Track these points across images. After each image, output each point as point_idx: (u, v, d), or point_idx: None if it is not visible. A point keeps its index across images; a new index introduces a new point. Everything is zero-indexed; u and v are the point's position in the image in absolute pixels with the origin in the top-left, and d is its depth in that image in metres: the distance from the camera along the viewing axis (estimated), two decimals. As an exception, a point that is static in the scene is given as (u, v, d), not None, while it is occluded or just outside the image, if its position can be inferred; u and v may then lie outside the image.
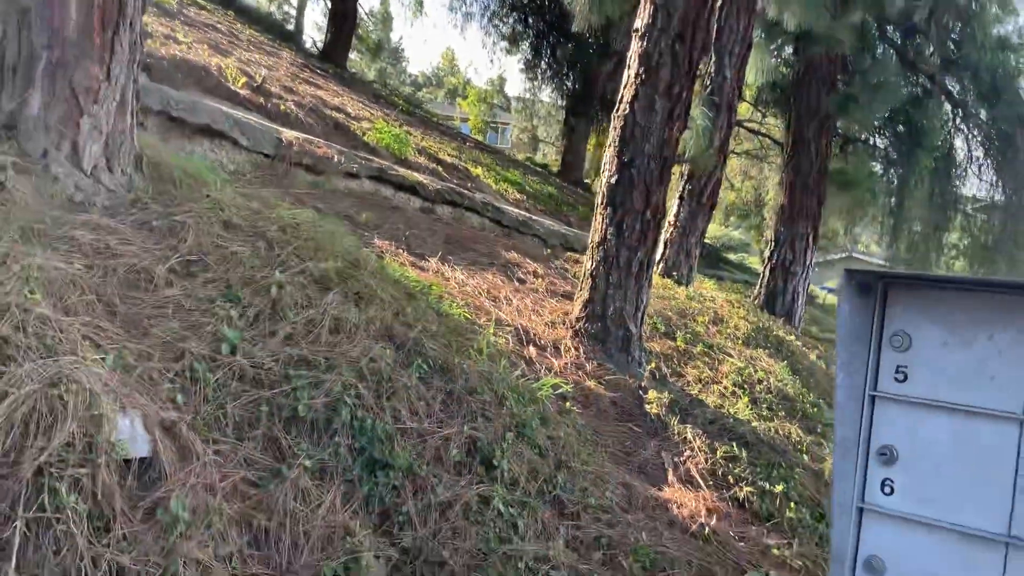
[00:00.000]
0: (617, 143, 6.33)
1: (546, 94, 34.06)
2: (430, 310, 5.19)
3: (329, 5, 26.31)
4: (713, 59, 10.10)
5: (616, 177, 6.32)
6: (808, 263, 12.90)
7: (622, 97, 6.35)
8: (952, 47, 17.11)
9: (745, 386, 6.95)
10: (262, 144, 7.22)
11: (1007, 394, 1.60)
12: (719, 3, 10.07)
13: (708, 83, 10.17)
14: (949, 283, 1.69)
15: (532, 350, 5.85)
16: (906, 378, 1.72)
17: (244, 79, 9.60)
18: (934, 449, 1.69)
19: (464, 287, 6.45)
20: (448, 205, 9.13)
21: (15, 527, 2.50)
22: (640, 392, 6.07)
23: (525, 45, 29.63)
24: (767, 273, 12.88)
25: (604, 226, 6.40)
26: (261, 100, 9.42)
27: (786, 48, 13.66)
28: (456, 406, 4.28)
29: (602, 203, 6.45)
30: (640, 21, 6.29)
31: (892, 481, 1.74)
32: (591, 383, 5.82)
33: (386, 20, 50.68)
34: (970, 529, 1.65)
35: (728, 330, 8.76)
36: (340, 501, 3.49)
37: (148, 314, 3.62)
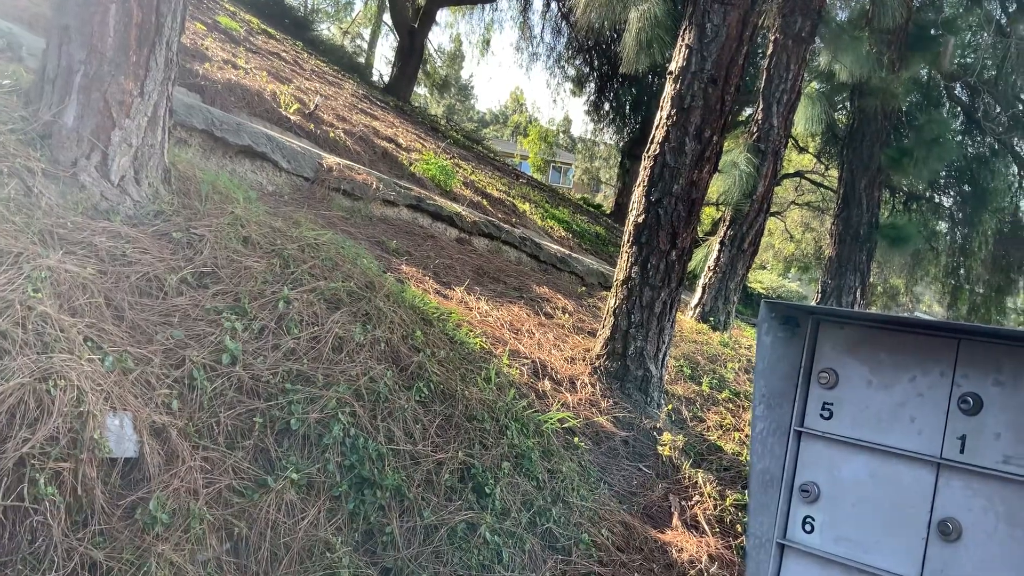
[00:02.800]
0: (646, 183, 6.34)
1: (608, 136, 34.30)
2: (444, 337, 5.24)
3: (398, 40, 27.00)
4: (761, 106, 10.07)
5: (643, 216, 6.32)
6: (855, 317, 12.62)
7: (653, 137, 6.37)
8: (1021, 106, 16.79)
9: (767, 435, 6.82)
10: (302, 167, 7.41)
11: (925, 437, 1.57)
12: (769, 51, 10.07)
13: (755, 130, 10.13)
14: (877, 322, 1.67)
15: (547, 383, 5.84)
16: (832, 415, 1.70)
17: (296, 105, 9.89)
18: (854, 488, 1.67)
19: (487, 317, 6.49)
20: (485, 237, 9.21)
21: (-9, 513, 2.59)
22: (654, 434, 6.00)
23: (590, 87, 29.93)
24: (810, 325, 12.65)
25: (629, 264, 6.40)
26: (311, 127, 9.68)
27: (840, 99, 13.56)
28: (454, 431, 4.30)
29: (628, 241, 6.45)
30: (675, 64, 6.33)
31: (812, 519, 1.71)
32: (603, 420, 5.78)
33: (455, 58, 51.79)
34: (884, 572, 1.61)
35: (759, 378, 8.63)
36: (324, 516, 3.53)
37: (154, 321, 3.74)
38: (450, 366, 4.77)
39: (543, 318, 7.37)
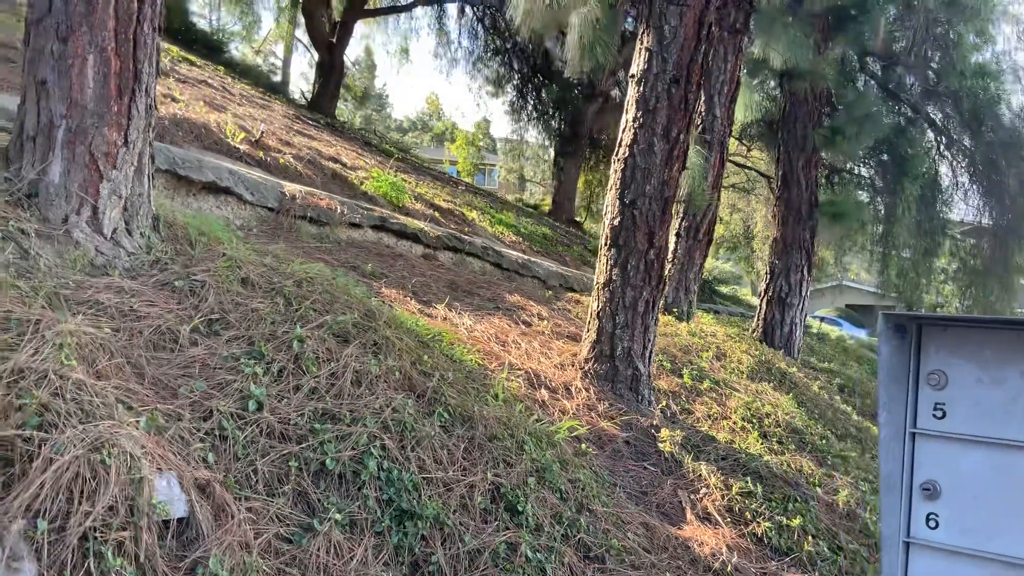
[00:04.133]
0: (618, 185, 6.45)
1: (532, 135, 34.49)
2: (444, 357, 5.25)
3: (315, 57, 26.68)
4: (703, 99, 10.31)
5: (619, 219, 6.43)
6: (804, 294, 13.03)
7: (621, 140, 6.48)
8: (933, 76, 17.49)
9: (754, 420, 7.00)
10: (266, 198, 7.31)
11: None
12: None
13: (700, 122, 10.36)
14: (979, 323, 1.77)
15: (544, 393, 5.90)
16: (944, 415, 1.79)
17: (242, 134, 9.73)
18: (975, 482, 1.76)
19: (473, 332, 6.51)
20: (449, 251, 9.22)
21: (64, 594, 2.52)
22: (652, 431, 6.11)
23: (509, 88, 30.09)
24: (763, 306, 13.00)
25: (609, 267, 6.49)
26: (260, 154, 9.54)
27: (771, 84, 13.94)
28: (478, 453, 4.32)
29: (605, 244, 6.54)
30: (636, 67, 6.45)
31: (936, 515, 1.80)
32: (604, 423, 5.87)
33: (371, 69, 51.37)
34: (1014, 558, 1.71)
35: (732, 365, 8.83)
36: (372, 554, 3.52)
37: (175, 374, 3.67)
38: (460, 387, 4.79)
39: (523, 327, 7.42)
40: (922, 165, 18.12)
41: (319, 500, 3.58)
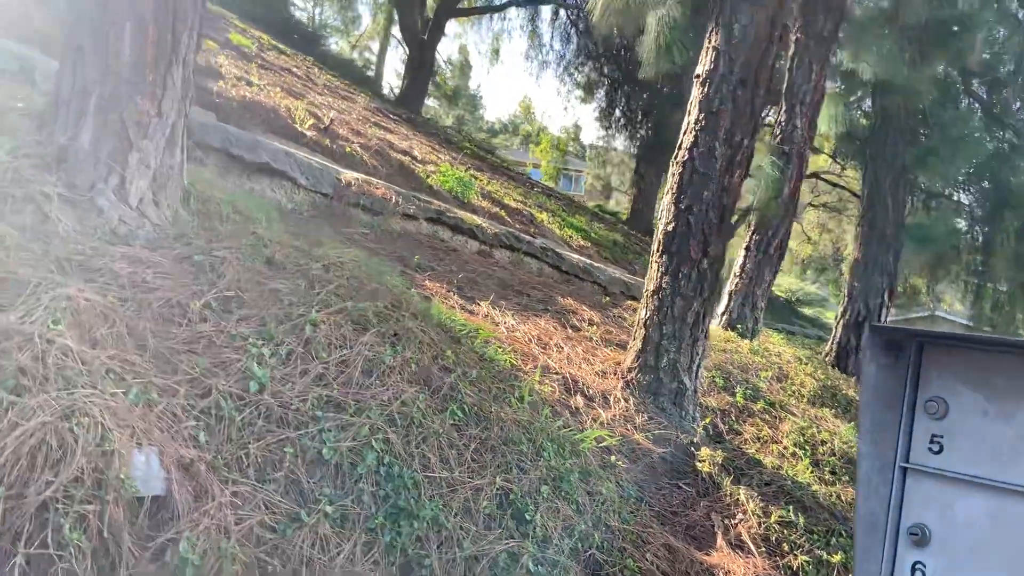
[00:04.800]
0: (675, 190, 6.16)
1: (619, 142, 34.07)
2: (473, 355, 5.07)
3: (407, 53, 26.94)
4: (783, 108, 9.88)
5: (673, 224, 6.14)
6: (883, 320, 12.39)
7: (681, 143, 6.19)
8: (1042, 102, 16.51)
9: (807, 447, 6.60)
10: (321, 183, 7.27)
11: None
12: (791, 51, 9.88)
13: (778, 132, 9.93)
14: (991, 345, 1.49)
15: (579, 400, 5.66)
16: (942, 449, 1.52)
17: (312, 121, 9.78)
18: (970, 531, 1.48)
19: (514, 332, 6.31)
20: (506, 249, 9.05)
21: (14, 563, 2.43)
22: (692, 449, 5.80)
23: (600, 94, 29.78)
24: (839, 329, 12.41)
25: (659, 274, 6.21)
26: (327, 142, 9.56)
27: (863, 99, 13.33)
28: (490, 455, 4.12)
29: (658, 250, 6.26)
30: (702, 67, 6.15)
31: (923, 565, 1.52)
32: (639, 437, 5.59)
33: (464, 68, 51.77)
34: (1010, 623, 1.43)
35: (793, 387, 8.41)
36: (360, 550, 3.36)
37: (178, 349, 3.59)
38: (482, 386, 4.60)
39: (570, 331, 7.19)
40: (1025, 195, 17.11)
41: (311, 490, 3.44)
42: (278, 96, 10.37)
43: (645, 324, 6.31)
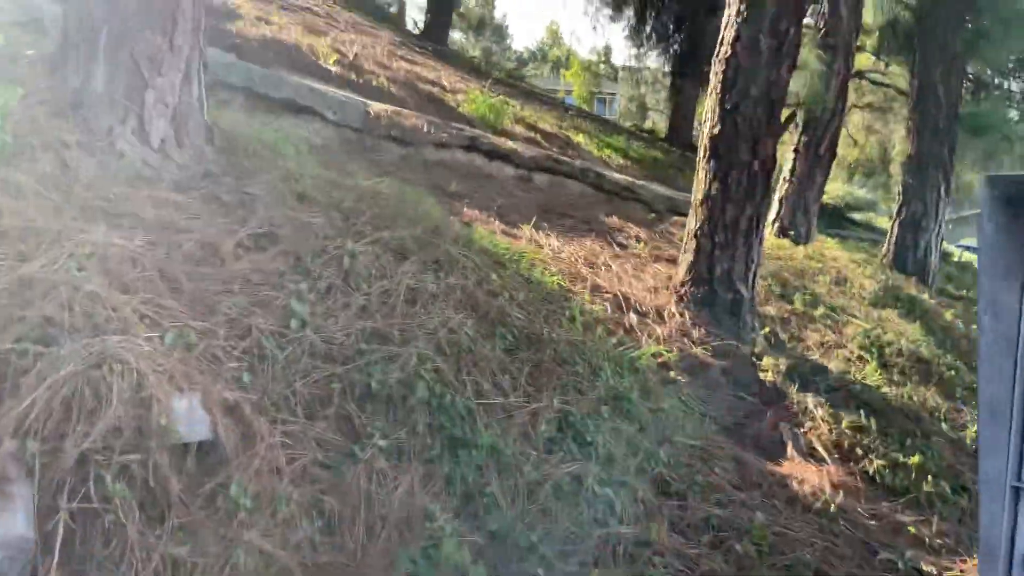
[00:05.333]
0: (719, 90, 5.82)
1: (652, 60, 33.02)
2: (519, 278, 4.89)
3: (430, -15, 26.25)
4: (827, -2, 9.34)
5: (719, 127, 5.82)
6: (940, 216, 11.88)
7: (723, 39, 5.82)
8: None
9: (873, 349, 6.34)
10: (349, 117, 7.05)
11: None
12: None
13: (822, 25, 9.40)
14: None
15: (632, 317, 5.46)
16: None
17: (335, 56, 9.49)
18: None
19: (559, 254, 6.10)
20: (545, 172, 8.77)
21: (58, 519, 2.34)
22: (753, 359, 5.59)
23: (629, 11, 28.74)
24: (895, 229, 11.92)
25: (708, 181, 5.92)
26: (353, 76, 9.29)
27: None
28: (545, 378, 3.96)
29: (704, 156, 5.96)
30: (740, -47, 5.74)
31: None
32: (698, 351, 5.39)
33: (489, -1, 50.45)
34: None
35: (853, 290, 8.09)
36: (419, 483, 3.24)
37: (214, 290, 3.45)
38: (531, 309, 4.42)
39: (617, 249, 6.95)
40: (1081, 81, 16.24)
41: (363, 425, 3.32)
42: (300, 34, 10.08)
43: (696, 235, 6.04)
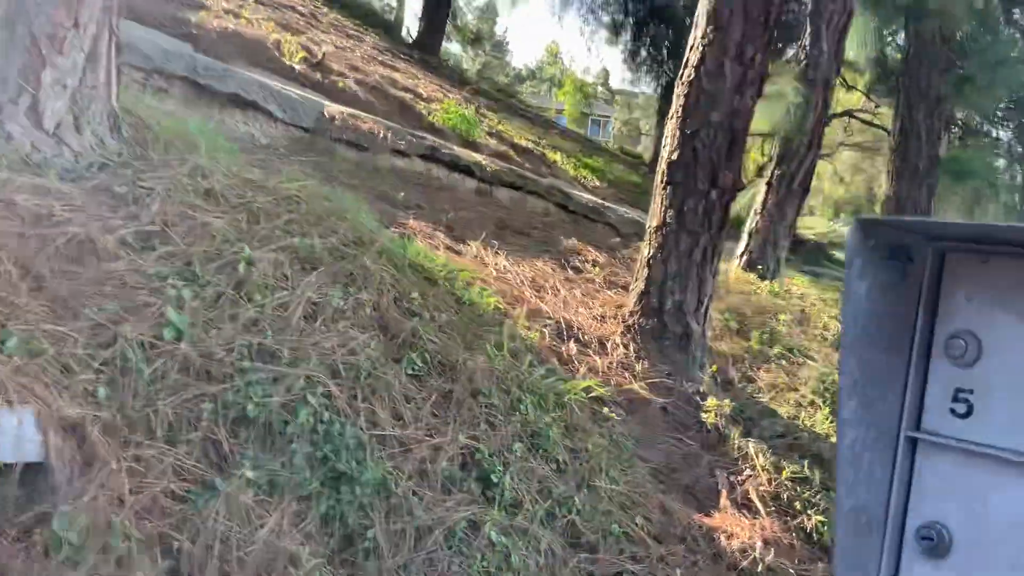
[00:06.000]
0: (680, 114, 5.55)
1: (646, 85, 32.95)
2: (449, 298, 4.56)
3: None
4: (809, 30, 9.11)
5: (678, 153, 5.54)
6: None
7: (687, 61, 5.55)
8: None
9: (827, 395, 6.04)
10: (300, 117, 6.74)
11: None
12: (816, -33, 9.08)
13: (803, 58, 9.18)
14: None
15: (572, 347, 5.14)
16: (970, 411, 0.98)
17: (302, 54, 9.19)
18: (1013, 535, 0.95)
19: (505, 274, 5.79)
20: (508, 188, 8.48)
21: None
22: (697, 398, 5.28)
23: (625, 35, 28.62)
24: (868, 269, 11.70)
25: (663, 208, 5.63)
26: (318, 76, 8.98)
27: (895, 23, 12.43)
28: (454, 410, 3.63)
29: (661, 182, 5.68)
30: (710, -27, 5.48)
31: None
32: (638, 386, 5.07)
33: (488, 12, 50.41)
34: None
35: (815, 331, 7.81)
36: (289, 522, 2.90)
37: (84, 292, 3.11)
38: (453, 332, 4.09)
39: (571, 272, 6.64)
40: (1066, 130, 16.22)
41: (232, 453, 2.98)
42: (270, 30, 9.78)
43: (648, 263, 5.75)
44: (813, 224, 37.45)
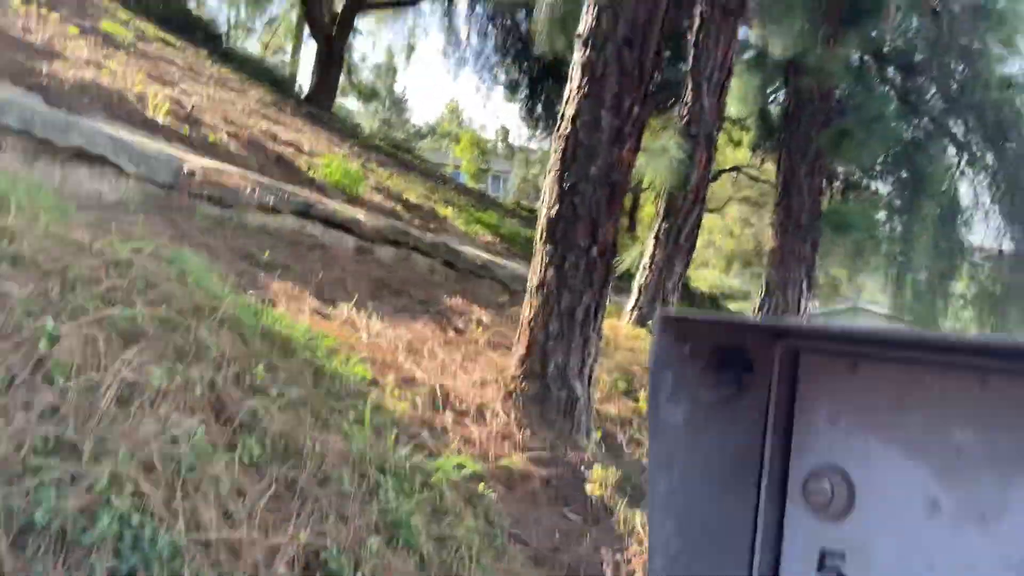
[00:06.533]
0: (558, 168, 5.33)
1: (544, 141, 33.35)
2: (308, 368, 4.14)
3: (316, 49, 25.67)
4: (690, 86, 9.17)
5: (556, 207, 5.31)
6: (803, 311, 11.82)
7: (563, 114, 5.37)
8: (955, 87, 16.35)
9: (717, 457, 5.83)
10: (156, 172, 6.23)
11: None
12: (695, 25, 9.19)
13: (686, 112, 9.22)
14: (948, 352, 0.64)
15: (447, 417, 4.77)
16: None
17: (168, 106, 8.67)
18: None
19: (377, 339, 5.39)
20: (390, 245, 8.12)
21: None
22: (582, 468, 4.97)
23: (522, 92, 28.96)
24: (757, 322, 11.79)
25: (544, 266, 5.38)
26: (186, 130, 8.47)
27: (774, 79, 12.78)
28: (297, 502, 3.18)
29: (541, 239, 5.43)
30: (583, 25, 5.33)
31: None
32: (518, 458, 4.72)
33: (386, 69, 50.46)
34: None
35: (705, 387, 7.66)
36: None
37: None
38: (303, 409, 3.66)
39: (452, 334, 6.30)
40: (941, 183, 17.01)
41: (16, 572, 2.47)
42: (137, 82, 9.23)
43: (530, 324, 5.46)
44: (706, 276, 38.43)
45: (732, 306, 34.02)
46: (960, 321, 21.65)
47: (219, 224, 6.36)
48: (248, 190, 6.78)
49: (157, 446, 2.90)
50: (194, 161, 6.75)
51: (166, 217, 5.93)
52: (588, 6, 5.34)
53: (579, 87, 5.25)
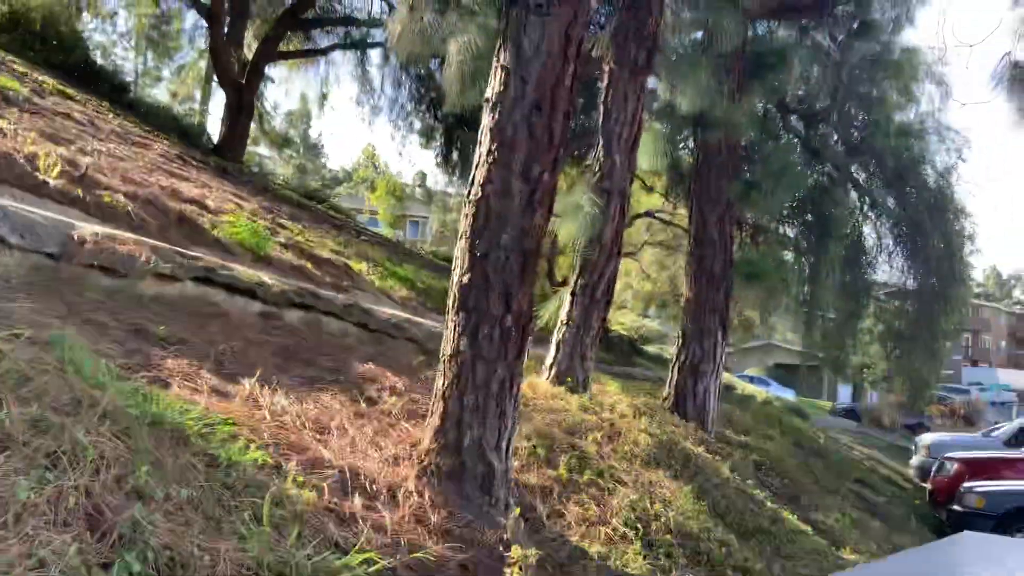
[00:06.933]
0: (469, 234, 5.19)
1: (459, 186, 33.42)
2: (201, 460, 3.83)
3: (225, 99, 25.18)
4: (601, 142, 9.21)
5: (468, 275, 5.15)
6: (719, 360, 11.93)
7: (474, 179, 5.24)
8: (856, 135, 17.04)
9: (638, 525, 5.70)
10: (43, 241, 5.84)
11: None
12: (605, 82, 9.26)
13: (598, 169, 9.24)
14: None
15: (356, 502, 4.49)
16: None
17: (60, 167, 8.23)
18: None
19: (281, 418, 5.09)
20: (298, 309, 7.81)
21: None
22: (501, 548, 4.75)
23: (437, 140, 29.02)
24: (675, 373, 11.83)
25: (456, 335, 5.19)
26: (79, 191, 8.03)
27: (683, 133, 13.03)
28: (181, 625, 2.89)
29: (454, 307, 5.25)
30: (491, 89, 5.24)
31: None
32: (432, 544, 4.48)
33: (301, 116, 50.01)
34: None
35: (625, 447, 7.55)
36: None
37: None
38: (193, 512, 3.36)
39: (363, 405, 6.03)
40: (846, 226, 17.62)
41: None
42: (29, 141, 8.75)
43: (444, 395, 5.26)
44: (623, 319, 38.82)
45: (651, 348, 34.43)
46: (869, 356, 22.39)
47: (111, 296, 5.99)
48: (143, 256, 6.42)
49: (20, 571, 2.58)
50: (85, 228, 6.37)
51: (53, 291, 5.54)
52: (495, 70, 5.25)
53: (489, 152, 5.14)
